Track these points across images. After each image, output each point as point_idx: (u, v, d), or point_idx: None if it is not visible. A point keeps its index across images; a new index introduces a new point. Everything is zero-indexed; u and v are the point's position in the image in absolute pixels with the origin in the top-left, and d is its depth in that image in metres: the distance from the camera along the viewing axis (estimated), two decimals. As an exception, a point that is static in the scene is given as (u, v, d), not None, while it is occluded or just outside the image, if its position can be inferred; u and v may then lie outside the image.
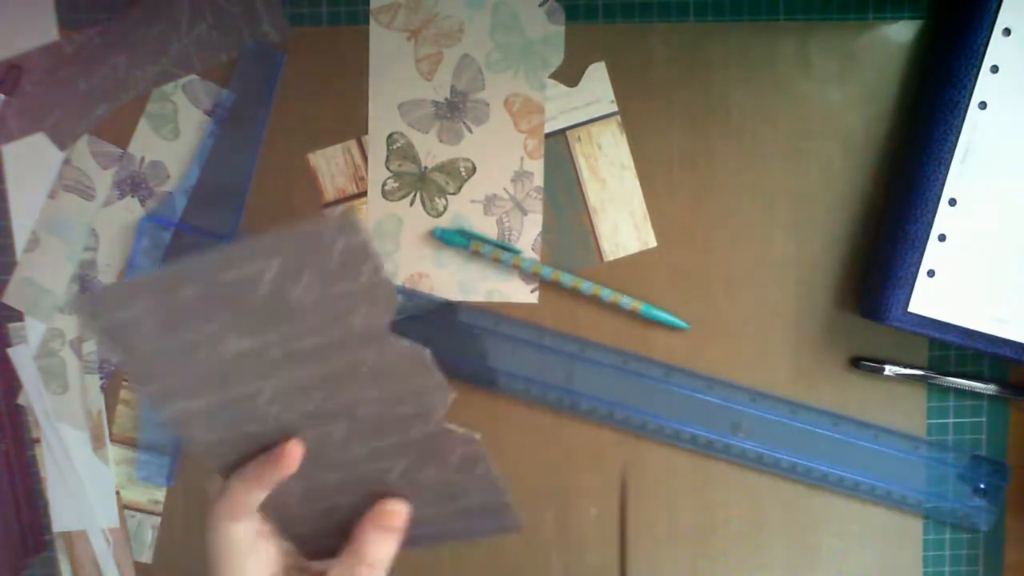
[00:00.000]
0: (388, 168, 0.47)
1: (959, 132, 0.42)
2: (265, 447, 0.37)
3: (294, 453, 0.36)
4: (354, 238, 0.33)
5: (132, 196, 0.47)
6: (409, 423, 0.37)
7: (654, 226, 0.47)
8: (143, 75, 0.46)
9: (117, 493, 0.49)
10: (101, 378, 0.48)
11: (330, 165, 0.47)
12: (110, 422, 0.48)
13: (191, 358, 0.35)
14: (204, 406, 0.36)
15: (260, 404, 0.36)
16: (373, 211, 0.47)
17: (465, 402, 0.47)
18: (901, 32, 0.45)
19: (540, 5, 0.46)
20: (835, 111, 0.46)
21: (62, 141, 0.47)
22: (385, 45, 0.46)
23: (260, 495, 0.36)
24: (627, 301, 0.46)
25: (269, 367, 0.35)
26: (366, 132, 0.47)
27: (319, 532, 0.39)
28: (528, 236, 0.47)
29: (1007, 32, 0.41)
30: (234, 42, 0.46)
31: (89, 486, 0.48)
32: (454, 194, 0.47)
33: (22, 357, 0.48)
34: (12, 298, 0.48)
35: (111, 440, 0.48)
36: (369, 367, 0.36)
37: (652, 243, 0.47)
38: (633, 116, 0.46)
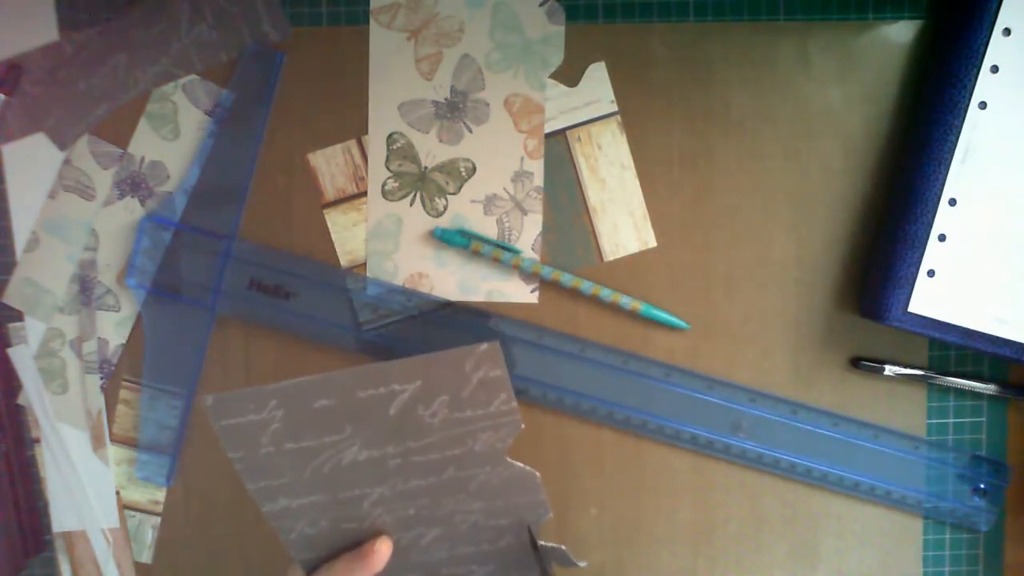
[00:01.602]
0: (388, 168, 0.47)
1: (959, 132, 0.42)
2: (354, 544, 0.37)
3: (383, 551, 0.37)
4: (494, 371, 0.34)
5: (132, 196, 0.47)
6: (502, 533, 0.38)
7: (654, 226, 0.47)
8: (143, 75, 0.46)
9: (117, 493, 0.49)
10: (101, 378, 0.48)
11: (330, 165, 0.47)
12: (110, 422, 0.48)
13: (308, 463, 0.36)
14: (309, 504, 0.37)
15: (365, 506, 0.37)
16: (373, 211, 0.47)
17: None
18: (901, 32, 0.45)
19: (540, 5, 0.46)
20: (835, 111, 0.46)
21: (62, 141, 0.47)
22: (385, 45, 0.46)
23: None
24: (627, 301, 0.46)
25: (383, 475, 0.36)
26: (366, 132, 0.47)
27: None
28: (528, 236, 0.47)
29: (1007, 32, 0.41)
30: (234, 42, 0.46)
31: (89, 486, 0.48)
32: (454, 194, 0.47)
33: (22, 357, 0.48)
34: (12, 298, 0.48)
35: (111, 440, 0.48)
36: (479, 483, 0.37)
37: (652, 243, 0.47)
38: (633, 116, 0.46)
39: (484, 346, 0.34)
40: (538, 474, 0.37)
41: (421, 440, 0.36)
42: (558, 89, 0.46)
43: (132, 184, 0.47)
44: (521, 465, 0.37)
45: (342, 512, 0.37)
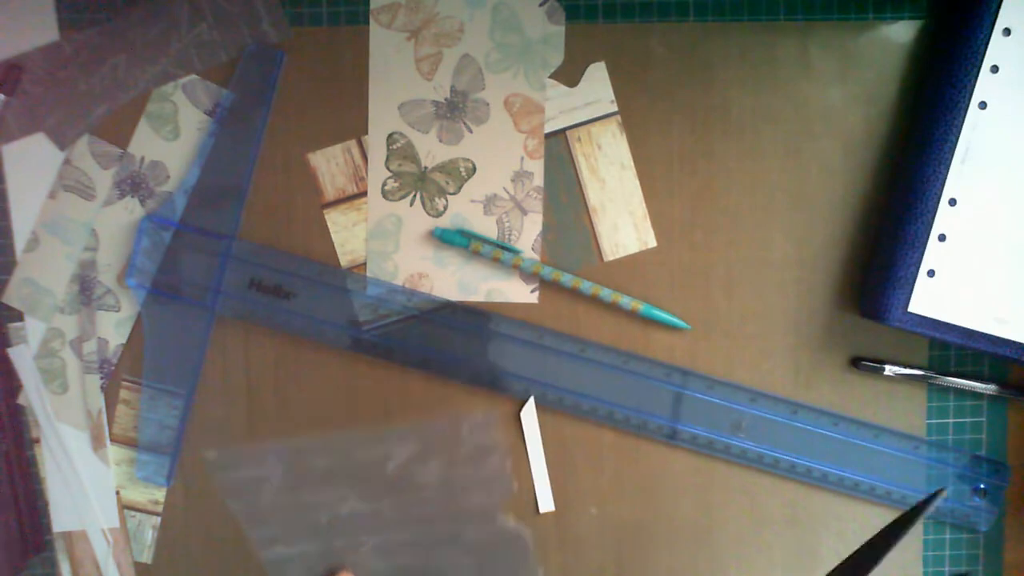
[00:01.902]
0: (388, 168, 0.47)
1: (959, 132, 0.42)
2: None
3: None
4: (489, 438, 0.38)
5: (132, 196, 0.47)
6: None
7: (654, 226, 0.47)
8: (143, 75, 0.46)
9: (117, 493, 0.49)
10: (101, 378, 0.48)
11: (330, 165, 0.47)
12: (110, 422, 0.48)
13: (305, 514, 0.39)
14: (303, 552, 0.39)
15: (360, 552, 0.39)
16: (373, 211, 0.47)
17: (465, 402, 0.47)
18: (901, 32, 0.45)
19: (540, 5, 0.46)
20: (835, 111, 0.46)
21: (62, 141, 0.47)
22: (385, 45, 0.46)
23: None
24: (627, 301, 0.46)
25: (378, 527, 0.39)
26: (366, 132, 0.47)
27: None
28: (528, 236, 0.47)
29: (1007, 32, 0.41)
30: (234, 42, 0.46)
31: (89, 486, 0.48)
32: (454, 194, 0.47)
33: (22, 357, 0.48)
34: (12, 298, 0.48)
35: (111, 440, 0.48)
36: (470, 539, 0.39)
37: (652, 243, 0.47)
38: (633, 116, 0.46)
39: (480, 415, 0.35)
40: (529, 532, 0.38)
41: (415, 496, 0.38)
42: (558, 89, 0.46)
43: (132, 184, 0.47)
44: (513, 524, 0.38)
45: (338, 560, 0.39)
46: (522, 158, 0.47)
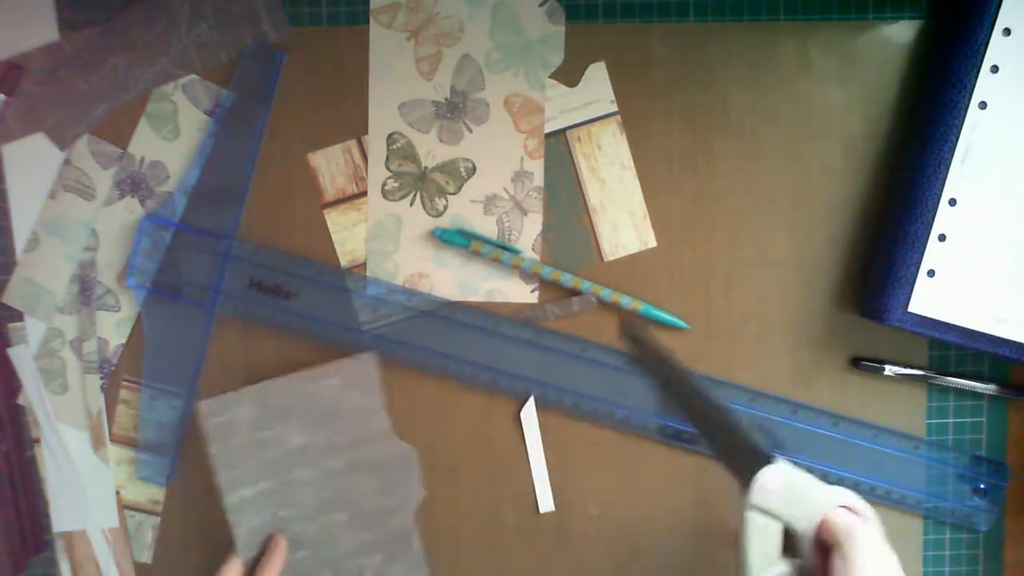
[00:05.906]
0: (388, 168, 0.47)
1: (959, 132, 0.42)
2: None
3: (282, 544, 0.45)
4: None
5: (132, 196, 0.47)
6: (390, 515, 0.46)
7: (654, 226, 0.47)
8: (143, 75, 0.46)
9: (117, 493, 0.49)
10: (101, 378, 0.48)
11: (330, 165, 0.47)
12: (110, 422, 0.48)
13: (262, 451, 0.45)
14: (259, 492, 0.45)
15: (296, 490, 0.45)
16: (373, 211, 0.47)
17: (464, 402, 0.47)
18: (901, 32, 0.45)
19: (540, 5, 0.46)
20: (835, 111, 0.46)
21: (62, 141, 0.47)
22: (385, 45, 0.46)
23: None
24: (627, 301, 0.46)
25: (314, 458, 0.45)
26: (366, 132, 0.47)
27: None
28: (528, 236, 0.47)
29: (1007, 32, 0.41)
30: (234, 42, 0.46)
31: (89, 486, 0.48)
32: (454, 194, 0.47)
33: (22, 357, 0.48)
34: (12, 298, 0.48)
35: (111, 440, 0.48)
36: (370, 461, 0.46)
37: (652, 243, 0.47)
38: (633, 116, 0.46)
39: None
40: (416, 451, 0.46)
41: (338, 424, 0.46)
42: (558, 89, 0.46)
43: (132, 184, 0.47)
44: (403, 443, 0.46)
45: (283, 498, 0.45)
46: (522, 158, 0.47)
